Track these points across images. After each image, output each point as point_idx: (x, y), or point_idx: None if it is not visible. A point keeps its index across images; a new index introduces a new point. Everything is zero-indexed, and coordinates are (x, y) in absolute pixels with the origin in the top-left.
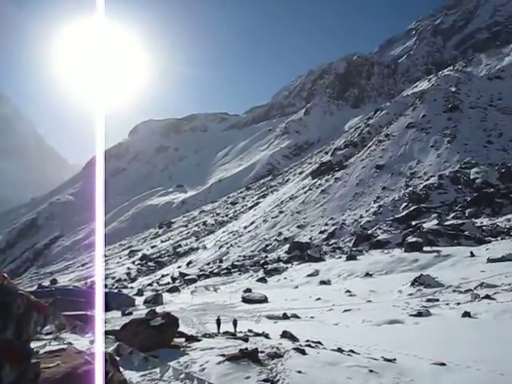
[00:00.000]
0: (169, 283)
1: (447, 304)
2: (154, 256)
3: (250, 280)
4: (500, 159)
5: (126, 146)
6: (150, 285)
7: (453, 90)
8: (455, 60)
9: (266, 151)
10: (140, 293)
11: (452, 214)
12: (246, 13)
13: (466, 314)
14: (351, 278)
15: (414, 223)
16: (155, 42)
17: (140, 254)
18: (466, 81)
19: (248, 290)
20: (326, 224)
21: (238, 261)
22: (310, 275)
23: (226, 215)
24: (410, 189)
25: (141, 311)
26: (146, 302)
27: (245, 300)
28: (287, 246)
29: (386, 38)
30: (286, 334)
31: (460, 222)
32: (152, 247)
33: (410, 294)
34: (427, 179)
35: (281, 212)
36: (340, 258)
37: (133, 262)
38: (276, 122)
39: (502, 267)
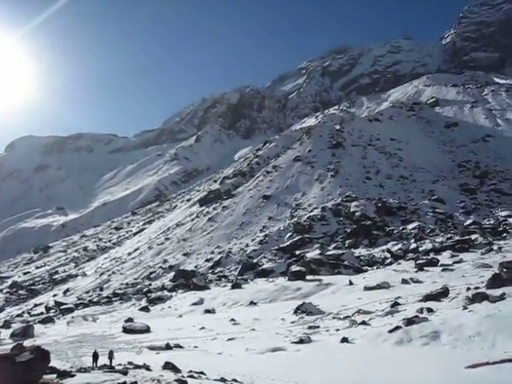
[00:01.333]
0: (42, 313)
1: (327, 330)
2: (27, 283)
3: (132, 309)
4: (377, 194)
5: None
6: (19, 315)
7: (337, 128)
8: (340, 100)
9: (154, 176)
10: (7, 325)
11: (333, 245)
12: (143, 32)
13: (345, 340)
14: (236, 307)
15: (297, 253)
16: (40, 53)
17: (9, 282)
18: (349, 120)
19: (129, 320)
20: (213, 252)
21: (119, 289)
22: (194, 304)
23: (109, 240)
24: (295, 219)
25: (6, 346)
26: (13, 335)
27: (126, 330)
28: (172, 273)
29: (278, 74)
30: (168, 365)
31: (340, 252)
32: (24, 274)
33: (293, 322)
34: (311, 211)
35: (167, 239)
36: (225, 286)
37: (0, 291)
38: (166, 148)
39: (377, 294)
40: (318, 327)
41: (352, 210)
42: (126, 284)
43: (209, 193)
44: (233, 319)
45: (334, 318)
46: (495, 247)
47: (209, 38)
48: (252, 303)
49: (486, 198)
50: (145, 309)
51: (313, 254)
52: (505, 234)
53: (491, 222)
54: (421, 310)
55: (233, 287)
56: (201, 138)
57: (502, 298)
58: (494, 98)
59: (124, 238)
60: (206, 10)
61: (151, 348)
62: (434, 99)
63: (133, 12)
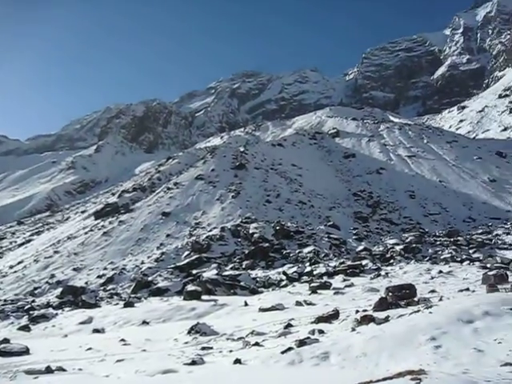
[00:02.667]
0: None
1: (220, 352)
2: None
3: (9, 328)
4: (276, 217)
5: None
6: None
7: (241, 149)
8: (247, 123)
9: (47, 184)
10: None
11: (231, 265)
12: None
13: (237, 361)
14: (127, 326)
15: (194, 272)
16: None
17: None
18: (253, 143)
19: (5, 341)
20: (105, 268)
21: None
22: (82, 323)
23: None
24: (194, 238)
25: None
26: None
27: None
28: (60, 289)
29: (187, 91)
30: None
31: (237, 272)
32: None
33: (186, 343)
34: (210, 230)
35: (56, 252)
36: (117, 304)
37: None
38: (62, 155)
39: (271, 316)
40: (212, 348)
41: (251, 232)
42: (5, 300)
43: (105, 206)
44: (123, 339)
45: (227, 339)
46: (383, 272)
47: (118, 46)
48: (144, 323)
49: (376, 226)
50: (25, 328)
51: (210, 273)
52: (392, 261)
53: (380, 248)
54: (312, 332)
55: (125, 306)
56: (101, 148)
57: (386, 320)
58: (388, 135)
59: (7, 249)
60: (116, 19)
61: (29, 372)
62: (335, 130)
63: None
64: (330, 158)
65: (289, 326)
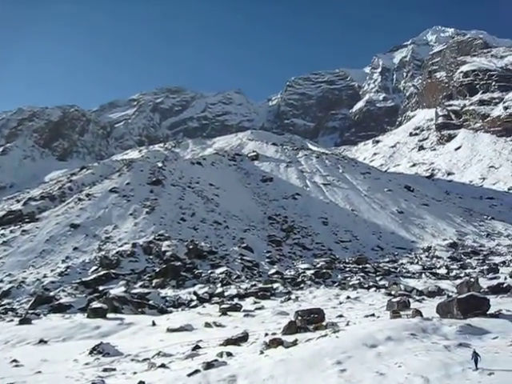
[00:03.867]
0: None
1: (124, 374)
2: None
3: None
4: (190, 236)
5: None
6: None
7: (160, 165)
8: (167, 139)
9: None
10: None
11: (140, 283)
12: None
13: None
14: (21, 345)
15: (101, 288)
16: None
17: None
18: (172, 160)
19: None
20: (2, 281)
21: None
22: None
23: None
24: (103, 253)
25: None
26: None
27: None
28: None
29: (108, 100)
30: None
31: (147, 291)
32: None
33: (87, 364)
34: (121, 245)
35: None
36: (12, 321)
37: None
38: None
39: (179, 337)
40: (115, 370)
41: (163, 250)
42: None
43: (8, 213)
44: (15, 360)
45: (132, 360)
46: (293, 296)
47: (41, 47)
48: (42, 341)
49: (289, 251)
50: None
51: (117, 290)
52: (302, 285)
53: (292, 272)
54: (221, 354)
55: (21, 322)
56: (9, 151)
57: (294, 343)
58: (306, 162)
59: None
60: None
61: None
62: (254, 153)
63: None
64: (248, 180)
65: (197, 347)
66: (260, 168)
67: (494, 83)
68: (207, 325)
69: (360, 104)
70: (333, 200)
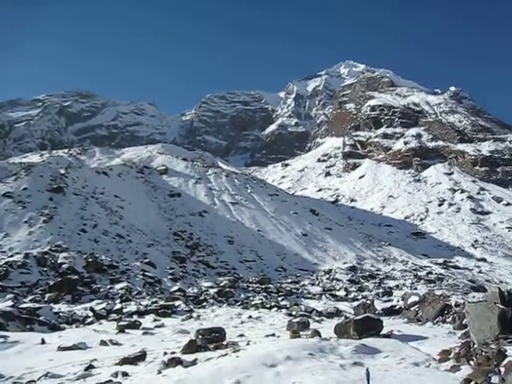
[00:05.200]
0: None
1: None
2: None
3: None
4: (90, 249)
5: None
6: None
7: (62, 172)
8: (72, 145)
9: None
10: None
11: (31, 297)
12: None
13: None
14: None
15: None
16: None
17: None
18: (76, 167)
19: None
20: None
21: None
22: None
23: None
24: None
25: None
26: None
27: None
28: None
29: (8, 99)
30: None
31: (38, 305)
32: None
33: None
34: (11, 255)
35: None
36: None
37: None
38: None
39: (72, 356)
40: None
41: (59, 262)
42: None
43: None
44: None
45: (14, 382)
46: (195, 314)
47: None
48: None
49: (193, 268)
50: None
51: (3, 305)
52: (205, 303)
53: (195, 290)
54: (116, 374)
55: None
56: None
57: (194, 363)
58: (215, 179)
59: None
60: None
61: None
62: (164, 167)
63: None
64: (156, 194)
65: (90, 367)
66: (168, 182)
67: (396, 119)
68: (103, 343)
69: (272, 127)
70: (239, 219)
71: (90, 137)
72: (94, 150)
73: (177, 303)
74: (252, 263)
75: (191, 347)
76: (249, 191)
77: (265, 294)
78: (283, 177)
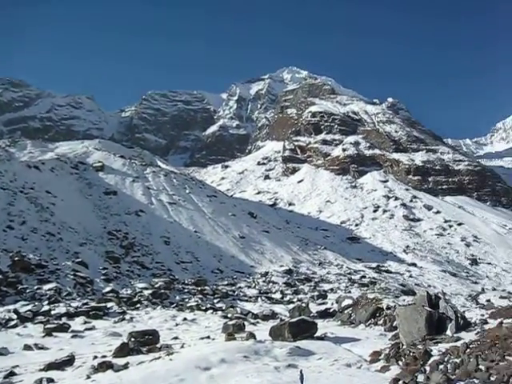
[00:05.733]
0: None
1: None
2: None
3: None
4: (16, 247)
5: None
6: None
7: None
8: (1, 136)
9: None
10: None
11: None
12: None
13: None
14: None
15: None
16: None
17: None
18: (5, 160)
19: None
20: None
21: None
22: None
23: None
24: None
25: None
26: None
27: None
28: None
29: None
30: None
31: None
32: None
33: None
34: None
35: None
36: None
37: None
38: None
39: None
40: None
41: None
42: None
43: None
44: None
45: None
46: (128, 317)
47: None
48: None
49: (128, 269)
50: None
51: None
52: (138, 305)
53: (129, 291)
54: (40, 381)
55: None
56: None
57: (125, 366)
58: (153, 179)
59: None
60: None
61: None
62: (100, 164)
63: None
64: (90, 191)
65: (11, 374)
66: (104, 180)
67: (336, 126)
68: (27, 347)
69: (214, 128)
70: (177, 220)
71: (22, 128)
72: (26, 143)
73: (109, 305)
74: (188, 264)
75: (123, 350)
76: (187, 191)
77: (200, 296)
78: (222, 178)
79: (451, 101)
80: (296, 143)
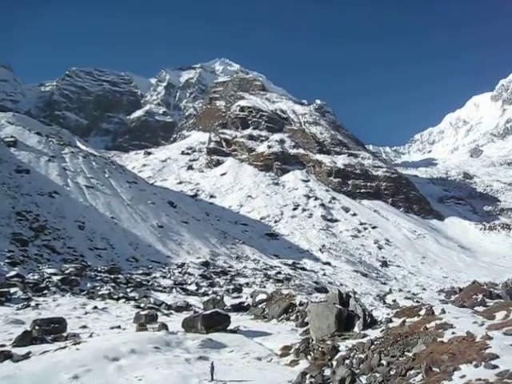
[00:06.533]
0: None
1: None
2: None
3: None
4: None
5: None
6: None
7: None
8: None
9: None
10: None
11: None
12: None
13: None
14: None
15: None
16: None
17: None
18: None
19: None
20: None
21: None
22: None
23: None
24: None
25: None
26: None
27: None
28: None
29: None
30: None
31: None
32: None
33: None
34: None
35: None
36: None
37: None
38: None
39: None
40: None
41: None
42: None
43: None
44: None
45: None
46: (33, 303)
47: None
48: None
49: (36, 252)
50: None
51: None
52: (46, 292)
53: (36, 277)
54: None
55: None
56: None
57: (27, 356)
58: (70, 160)
59: None
60: None
61: None
62: (13, 139)
63: None
64: (0, 168)
65: None
66: (16, 156)
67: (263, 123)
68: None
69: (139, 112)
70: (93, 204)
71: None
72: None
73: (13, 290)
74: (102, 251)
75: (25, 339)
76: (106, 176)
77: (113, 284)
78: (144, 165)
79: (377, 110)
80: (222, 136)
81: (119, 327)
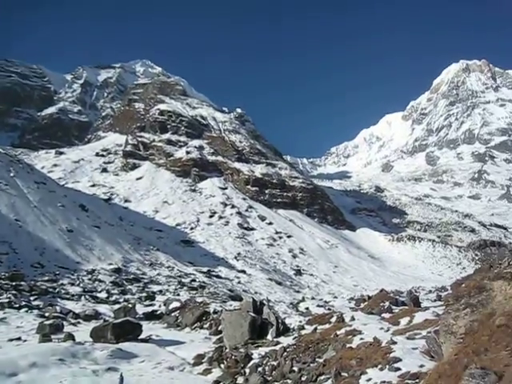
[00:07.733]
0: None
1: None
2: None
3: None
4: None
5: None
6: None
7: None
8: None
9: None
10: None
11: None
12: None
13: None
14: None
15: None
16: None
17: None
18: None
19: None
20: None
21: None
22: None
23: None
24: None
25: None
26: None
27: None
28: None
29: None
30: None
31: None
32: None
33: None
34: None
35: None
36: None
37: None
38: None
39: None
40: None
41: None
42: None
43: None
44: None
45: None
46: None
47: None
48: None
49: None
50: None
51: None
52: None
53: None
54: None
55: None
56: None
57: None
58: None
59: None
60: None
61: None
62: None
63: None
64: None
65: None
66: None
67: (183, 128)
68: None
69: (52, 109)
70: None
71: None
72: None
73: None
74: (3, 256)
75: None
76: (11, 175)
77: (14, 292)
78: (55, 165)
79: (297, 122)
80: (140, 139)
81: (19, 339)
